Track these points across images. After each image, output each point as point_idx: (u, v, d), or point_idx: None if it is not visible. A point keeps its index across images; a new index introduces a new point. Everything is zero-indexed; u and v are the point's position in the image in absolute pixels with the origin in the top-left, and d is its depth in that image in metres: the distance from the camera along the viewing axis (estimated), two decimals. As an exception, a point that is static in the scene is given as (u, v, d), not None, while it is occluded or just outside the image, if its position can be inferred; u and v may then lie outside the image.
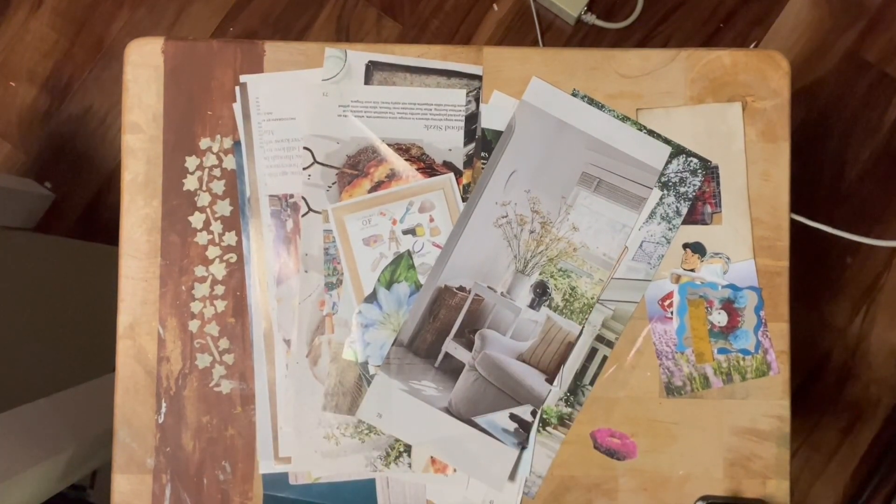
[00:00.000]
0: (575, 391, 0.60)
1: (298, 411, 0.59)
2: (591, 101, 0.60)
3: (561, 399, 0.60)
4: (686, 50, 0.61)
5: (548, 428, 0.59)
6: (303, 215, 0.59)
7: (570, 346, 0.60)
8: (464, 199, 0.60)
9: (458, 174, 0.60)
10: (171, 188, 0.60)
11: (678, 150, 0.60)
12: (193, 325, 0.59)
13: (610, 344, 0.60)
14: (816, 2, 1.40)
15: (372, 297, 0.60)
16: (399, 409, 0.59)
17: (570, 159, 0.60)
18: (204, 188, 0.60)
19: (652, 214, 0.60)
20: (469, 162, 0.60)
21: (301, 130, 0.60)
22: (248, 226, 0.60)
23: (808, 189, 1.38)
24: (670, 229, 0.60)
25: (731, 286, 0.60)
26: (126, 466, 0.59)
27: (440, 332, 0.59)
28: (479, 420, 0.59)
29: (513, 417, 0.59)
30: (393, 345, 0.59)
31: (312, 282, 0.59)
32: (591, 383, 0.60)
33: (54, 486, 0.85)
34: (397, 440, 0.59)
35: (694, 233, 0.60)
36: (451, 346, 0.59)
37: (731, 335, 0.60)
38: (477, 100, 0.60)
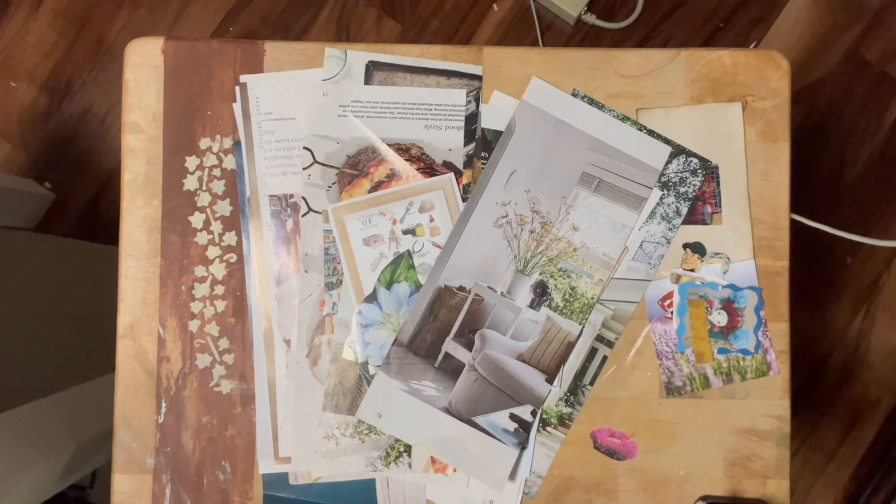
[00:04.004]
0: (575, 391, 0.60)
1: (298, 411, 0.59)
2: (591, 101, 0.60)
3: (561, 399, 0.60)
4: (686, 50, 0.61)
5: (548, 428, 0.59)
6: (303, 215, 0.59)
7: (570, 346, 0.60)
8: (464, 199, 0.60)
9: (458, 174, 0.60)
10: (171, 188, 0.60)
11: (678, 150, 0.60)
12: (193, 325, 0.59)
13: (610, 344, 0.60)
14: (816, 2, 1.40)
15: (372, 297, 0.60)
16: (399, 409, 0.59)
17: (570, 159, 0.60)
18: (204, 188, 0.60)
19: (652, 214, 0.60)
20: (469, 162, 0.60)
21: (301, 130, 0.60)
22: (248, 226, 0.60)
23: (808, 189, 1.38)
24: (670, 229, 0.60)
25: (731, 286, 0.60)
26: (126, 466, 0.59)
27: (440, 332, 0.59)
28: (479, 420, 0.59)
29: (513, 417, 0.59)
30: (393, 345, 0.59)
31: (312, 282, 0.59)
32: (591, 383, 0.60)
33: (54, 486, 0.85)
34: (397, 440, 0.59)
35: (694, 233, 0.60)
36: (451, 346, 0.59)
37: (731, 335, 0.60)
38: (477, 100, 0.60)
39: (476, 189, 0.60)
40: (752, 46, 1.39)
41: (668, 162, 0.60)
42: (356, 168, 0.60)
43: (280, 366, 0.59)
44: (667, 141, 0.60)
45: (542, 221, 0.60)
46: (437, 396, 0.59)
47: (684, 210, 0.60)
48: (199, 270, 0.59)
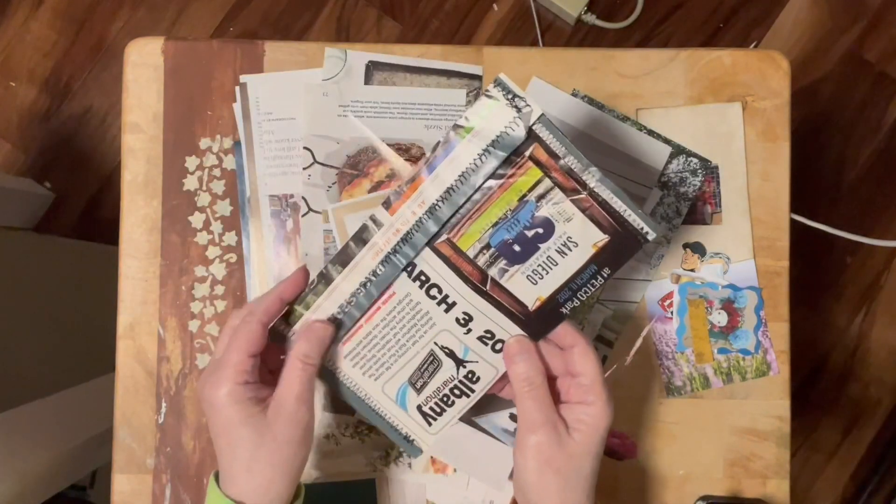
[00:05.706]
0: (575, 391, 0.59)
1: (298, 411, 0.59)
2: (591, 101, 0.60)
3: (561, 399, 0.59)
4: (686, 50, 0.61)
5: (548, 428, 0.59)
6: (303, 215, 0.59)
7: (570, 346, 0.59)
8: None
9: (458, 174, 0.60)
10: (171, 188, 0.60)
11: (678, 150, 0.60)
12: (193, 325, 0.59)
13: (610, 344, 0.60)
14: (816, 2, 1.40)
15: (372, 297, 0.59)
16: (399, 409, 0.59)
17: (570, 159, 0.60)
18: (204, 188, 0.60)
19: (652, 214, 0.60)
20: (469, 162, 0.60)
21: (301, 130, 0.60)
22: (248, 226, 0.60)
23: (808, 189, 1.38)
24: (670, 229, 0.60)
25: (731, 286, 0.60)
26: (126, 466, 0.59)
27: (440, 332, 0.59)
28: (479, 420, 0.58)
29: (513, 417, 0.59)
30: (393, 345, 0.59)
31: (312, 282, 0.59)
32: (591, 383, 0.60)
33: (54, 486, 0.85)
34: (397, 440, 0.59)
35: (694, 233, 0.60)
36: (451, 346, 0.59)
37: (731, 335, 0.60)
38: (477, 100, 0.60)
39: (476, 189, 0.60)
40: (752, 46, 1.39)
41: (668, 162, 0.60)
42: (356, 168, 0.60)
43: (280, 366, 0.59)
44: (667, 141, 0.60)
45: (542, 221, 0.60)
46: (437, 396, 0.59)
47: (684, 210, 0.60)
48: (199, 270, 0.59)
